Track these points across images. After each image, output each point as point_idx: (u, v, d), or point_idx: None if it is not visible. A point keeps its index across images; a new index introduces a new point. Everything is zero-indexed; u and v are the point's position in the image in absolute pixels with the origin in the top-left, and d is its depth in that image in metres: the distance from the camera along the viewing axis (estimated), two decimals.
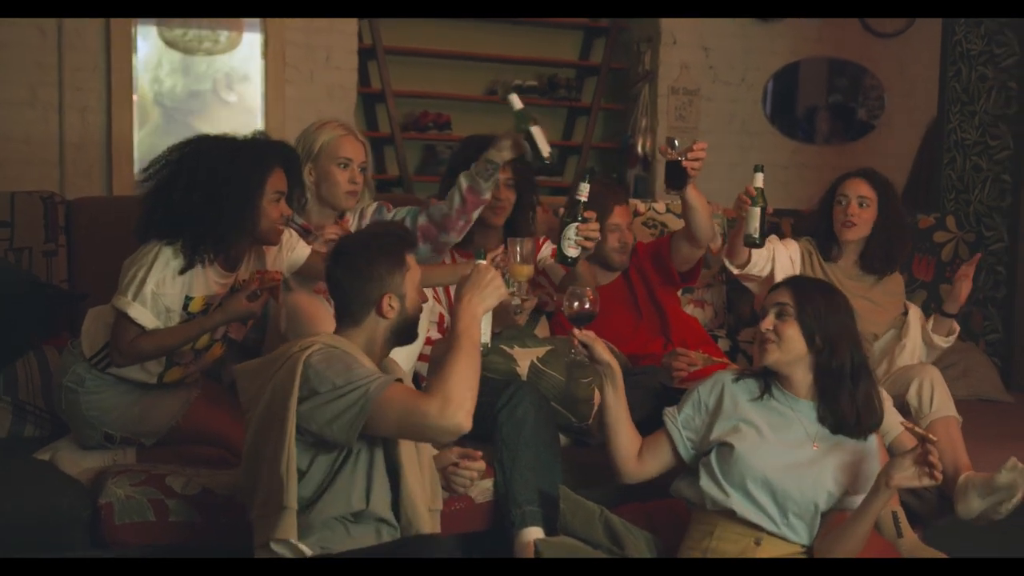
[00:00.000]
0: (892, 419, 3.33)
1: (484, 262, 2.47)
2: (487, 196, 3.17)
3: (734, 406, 2.73)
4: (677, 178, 3.20)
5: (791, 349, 2.66)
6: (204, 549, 2.70)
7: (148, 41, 5.86)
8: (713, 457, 2.69)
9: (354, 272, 2.43)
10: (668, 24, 6.61)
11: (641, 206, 4.05)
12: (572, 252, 3.03)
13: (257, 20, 5.96)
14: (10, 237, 3.47)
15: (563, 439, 3.15)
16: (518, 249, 2.92)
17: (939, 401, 3.40)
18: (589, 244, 3.04)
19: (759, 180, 3.32)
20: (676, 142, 3.19)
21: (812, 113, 7.10)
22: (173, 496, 2.74)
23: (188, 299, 2.86)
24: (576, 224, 3.00)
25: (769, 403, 2.72)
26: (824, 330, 2.65)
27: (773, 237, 3.65)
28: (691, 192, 3.30)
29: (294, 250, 3.10)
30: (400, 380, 2.36)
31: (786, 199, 6.62)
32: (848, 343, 2.67)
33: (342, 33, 6.03)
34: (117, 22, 5.59)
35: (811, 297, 2.68)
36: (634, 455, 2.82)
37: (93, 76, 5.58)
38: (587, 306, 2.81)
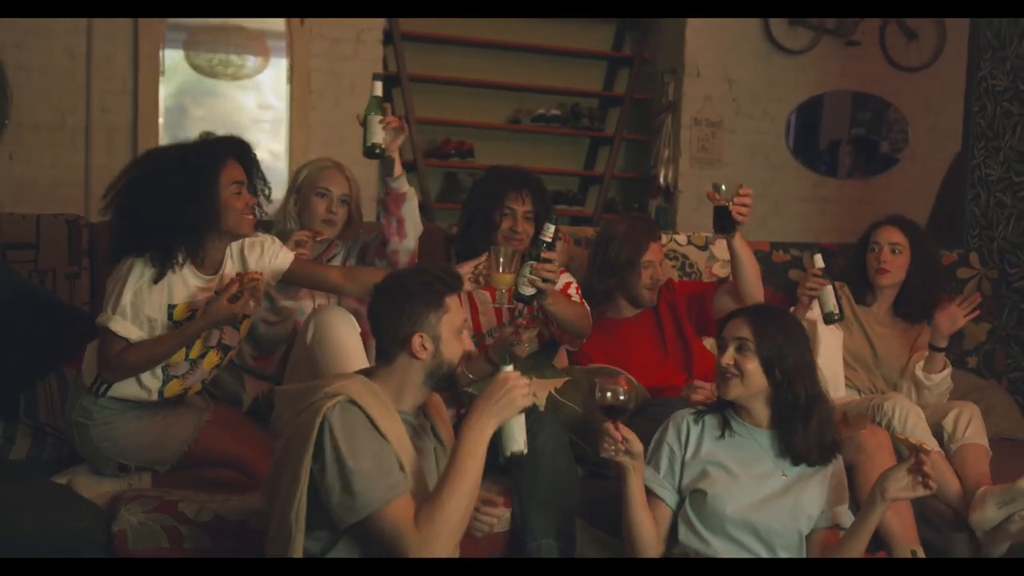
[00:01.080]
0: (926, 437, 3.32)
1: (509, 368, 2.33)
2: (399, 186, 3.19)
3: (699, 447, 2.68)
4: (725, 223, 3.20)
5: (752, 384, 2.63)
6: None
7: (176, 66, 5.91)
8: (688, 506, 2.65)
9: (390, 307, 2.38)
10: (692, 55, 6.62)
11: (663, 238, 4.05)
12: (526, 289, 2.98)
13: (283, 45, 6.01)
14: (34, 259, 3.50)
15: (580, 471, 3.13)
16: (500, 259, 2.92)
17: (972, 430, 3.40)
18: (543, 285, 2.99)
19: (820, 260, 3.44)
20: (723, 187, 3.18)
21: (835, 146, 7.09)
22: (186, 523, 2.74)
23: (171, 307, 2.88)
24: (532, 263, 2.97)
25: (732, 438, 2.68)
26: (782, 363, 2.62)
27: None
28: (739, 241, 3.26)
29: (277, 257, 3.09)
30: (410, 491, 2.27)
31: (806, 233, 6.64)
32: (804, 375, 2.64)
33: (367, 60, 6.08)
34: (145, 45, 5.65)
35: (770, 330, 2.64)
36: (655, 540, 2.67)
37: (120, 99, 5.64)
38: (621, 398, 2.57)
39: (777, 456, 2.66)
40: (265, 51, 6.08)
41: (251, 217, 2.94)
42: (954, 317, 3.56)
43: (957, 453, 3.37)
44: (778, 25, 6.68)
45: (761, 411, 2.68)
